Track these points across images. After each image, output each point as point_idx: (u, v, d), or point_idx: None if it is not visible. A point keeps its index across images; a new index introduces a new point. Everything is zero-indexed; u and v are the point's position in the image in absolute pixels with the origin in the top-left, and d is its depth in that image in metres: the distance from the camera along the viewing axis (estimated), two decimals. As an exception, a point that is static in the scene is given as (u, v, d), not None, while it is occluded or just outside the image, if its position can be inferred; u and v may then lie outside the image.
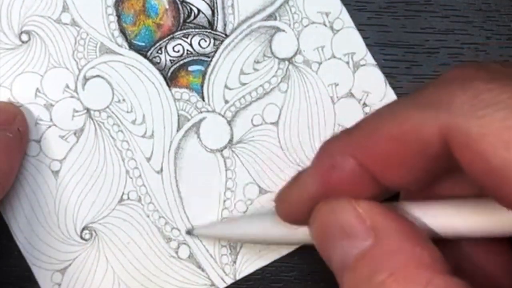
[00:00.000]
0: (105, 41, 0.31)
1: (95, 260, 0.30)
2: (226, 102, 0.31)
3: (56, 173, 0.30)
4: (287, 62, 0.32)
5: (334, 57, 0.32)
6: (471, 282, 0.19)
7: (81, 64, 0.31)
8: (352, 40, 0.32)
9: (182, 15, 0.31)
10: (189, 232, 0.30)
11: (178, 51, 0.31)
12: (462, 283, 0.19)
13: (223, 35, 0.31)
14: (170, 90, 0.31)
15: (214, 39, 0.31)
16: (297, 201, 0.24)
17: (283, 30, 0.32)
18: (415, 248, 0.20)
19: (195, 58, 0.31)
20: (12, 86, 0.31)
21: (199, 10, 0.31)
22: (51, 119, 0.31)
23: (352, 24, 0.32)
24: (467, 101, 0.19)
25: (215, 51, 0.31)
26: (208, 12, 0.31)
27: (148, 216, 0.31)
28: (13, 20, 0.31)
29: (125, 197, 0.31)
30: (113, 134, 0.31)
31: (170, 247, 0.31)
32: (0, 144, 0.28)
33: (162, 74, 0.31)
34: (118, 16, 0.31)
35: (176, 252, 0.31)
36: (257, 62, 0.31)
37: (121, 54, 0.31)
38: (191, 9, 0.31)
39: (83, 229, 0.30)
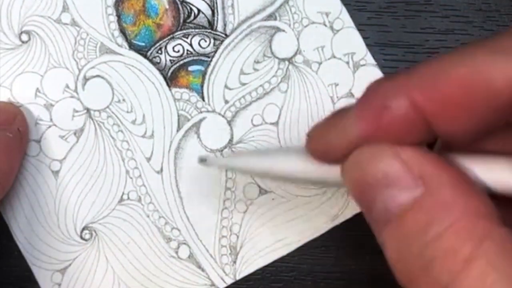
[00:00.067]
0: (105, 41, 0.31)
1: (95, 260, 0.30)
2: (226, 102, 0.31)
3: (56, 173, 0.30)
4: (287, 62, 0.32)
5: (334, 57, 0.32)
6: None
7: (81, 64, 0.31)
8: (352, 40, 0.32)
9: (182, 15, 0.31)
10: (202, 160, 0.28)
11: (178, 51, 0.31)
12: None
13: (223, 35, 0.31)
14: (170, 90, 0.31)
15: (214, 39, 0.31)
16: (334, 141, 0.21)
17: (283, 30, 0.32)
18: (470, 199, 0.19)
19: (195, 58, 0.31)
20: (12, 86, 0.31)
21: (199, 10, 0.31)
22: (51, 119, 0.31)
23: (352, 24, 0.32)
24: None
25: (215, 51, 0.31)
26: (208, 12, 0.31)
27: (148, 216, 0.31)
28: (13, 20, 0.31)
29: (125, 197, 0.31)
30: (113, 134, 0.31)
31: (170, 247, 0.31)
32: (0, 144, 0.28)
33: (162, 74, 0.31)
34: (118, 16, 0.31)
35: (176, 252, 0.31)
36: (257, 62, 0.31)
37: (121, 54, 0.31)
38: (191, 9, 0.31)
39: (83, 229, 0.30)
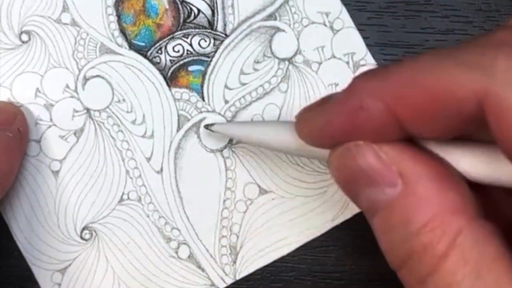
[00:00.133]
0: (105, 41, 0.31)
1: (95, 260, 0.30)
2: (226, 102, 0.31)
3: (56, 173, 0.30)
4: (287, 62, 0.32)
5: (334, 57, 0.32)
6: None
7: (81, 64, 0.31)
8: (352, 40, 0.32)
9: (182, 15, 0.31)
10: (207, 127, 0.30)
11: (178, 51, 0.31)
12: (493, 229, 0.19)
13: (223, 35, 0.31)
14: (170, 90, 0.31)
15: (214, 39, 0.31)
16: (320, 128, 0.23)
17: (283, 30, 0.32)
18: (446, 194, 0.20)
19: (195, 58, 0.31)
20: (12, 86, 0.31)
21: (199, 10, 0.31)
22: (51, 119, 0.31)
23: (352, 24, 0.32)
24: (509, 69, 0.18)
25: (215, 51, 0.31)
26: (208, 12, 0.31)
27: (148, 216, 0.31)
28: (13, 20, 0.31)
29: (125, 197, 0.31)
30: (113, 134, 0.31)
31: (170, 247, 0.31)
32: (0, 144, 0.28)
33: (162, 74, 0.31)
34: (118, 16, 0.31)
35: (176, 252, 0.31)
36: (257, 62, 0.31)
37: (121, 54, 0.31)
38: (191, 9, 0.31)
39: (83, 229, 0.30)
